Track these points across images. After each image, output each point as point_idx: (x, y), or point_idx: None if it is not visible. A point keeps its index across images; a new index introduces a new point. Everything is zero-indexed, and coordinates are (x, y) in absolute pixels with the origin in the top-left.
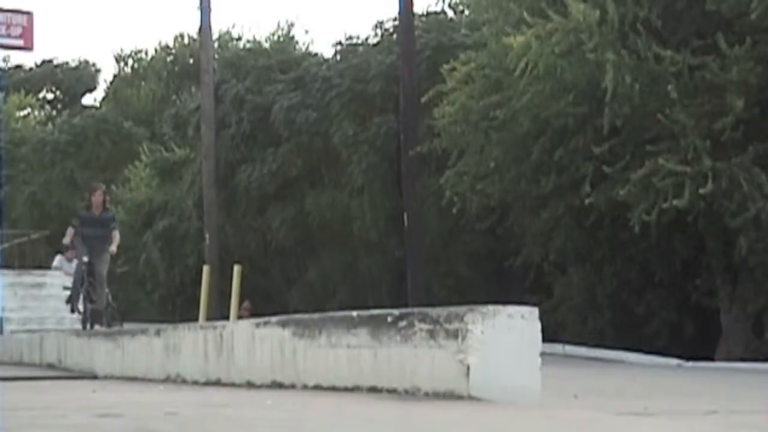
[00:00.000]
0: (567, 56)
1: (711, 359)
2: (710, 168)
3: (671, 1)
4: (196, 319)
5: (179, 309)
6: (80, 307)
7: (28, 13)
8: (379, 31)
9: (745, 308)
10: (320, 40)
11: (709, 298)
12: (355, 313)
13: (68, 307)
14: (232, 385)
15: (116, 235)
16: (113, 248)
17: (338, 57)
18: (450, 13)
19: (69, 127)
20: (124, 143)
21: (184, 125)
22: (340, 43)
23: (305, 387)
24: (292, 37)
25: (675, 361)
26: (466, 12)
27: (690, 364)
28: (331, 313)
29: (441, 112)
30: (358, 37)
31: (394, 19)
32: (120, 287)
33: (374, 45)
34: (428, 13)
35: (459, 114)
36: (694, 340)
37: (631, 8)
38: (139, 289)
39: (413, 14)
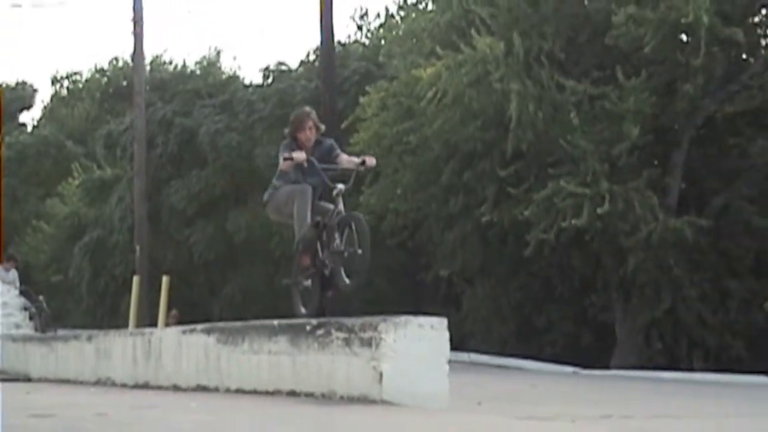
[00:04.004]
0: (475, 85)
1: (606, 367)
2: (607, 190)
3: (573, 35)
4: (122, 325)
5: (106, 316)
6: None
7: None
8: (305, 59)
9: (636, 321)
10: (247, 66)
11: (604, 312)
12: (275, 322)
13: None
14: (160, 388)
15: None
16: None
17: (266, 82)
18: (368, 44)
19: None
20: (64, 162)
21: (114, 145)
22: (267, 68)
23: (228, 390)
24: (219, 64)
25: (572, 369)
26: (383, 42)
27: (586, 371)
28: (253, 322)
29: (358, 137)
30: (284, 64)
31: (317, 48)
32: (51, 296)
33: (299, 72)
34: (354, 42)
35: (373, 140)
36: (590, 349)
37: (535, 41)
38: (69, 297)
39: (333, 44)
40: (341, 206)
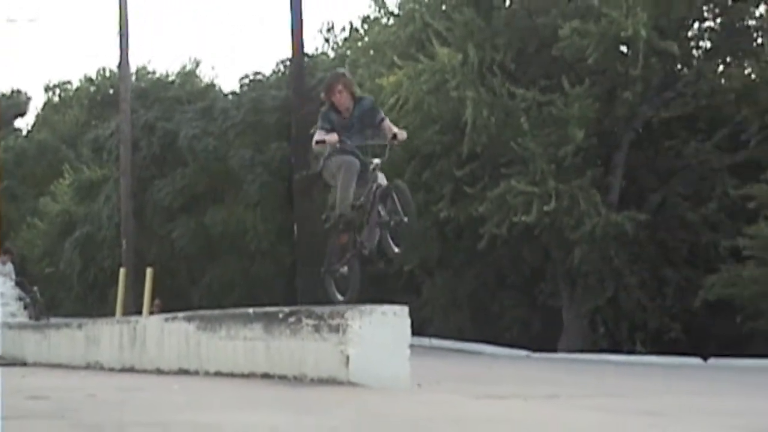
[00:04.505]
0: (434, 93)
1: (554, 351)
2: (554, 188)
3: (523, 47)
4: (110, 314)
5: (95, 305)
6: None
7: None
8: (276, 69)
9: (581, 307)
10: (225, 75)
11: (552, 299)
12: (251, 310)
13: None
14: (144, 371)
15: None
16: None
17: (241, 90)
18: (332, 54)
19: (8, 148)
20: (56, 164)
21: (101, 148)
22: (246, 77)
23: (207, 373)
24: (198, 73)
25: (524, 353)
26: (348, 53)
27: (537, 354)
28: (230, 310)
29: None
30: (258, 74)
31: (288, 59)
32: (45, 287)
33: (271, 81)
34: (322, 53)
35: None
36: (540, 334)
37: (489, 53)
38: (61, 288)
39: (303, 56)
40: (381, 179)
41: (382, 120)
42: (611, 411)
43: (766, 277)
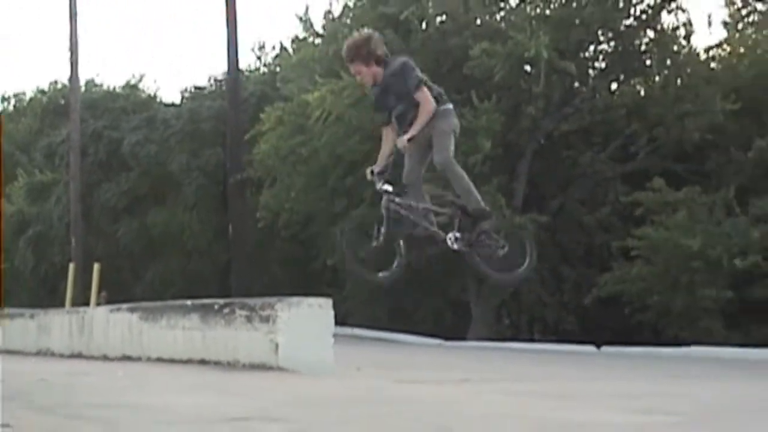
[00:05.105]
0: (355, 106)
1: (464, 340)
2: None
3: (437, 66)
4: (60, 305)
5: (46, 298)
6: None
7: None
8: (211, 82)
9: (488, 301)
10: (166, 88)
11: (463, 294)
12: (189, 302)
13: None
14: (92, 357)
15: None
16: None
17: (181, 101)
18: (264, 70)
19: None
20: (13, 168)
21: (53, 154)
22: (186, 90)
23: (149, 359)
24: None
25: (437, 341)
26: (278, 69)
27: (449, 343)
28: (170, 302)
29: (258, 148)
30: (199, 88)
31: (225, 72)
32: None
33: (208, 93)
34: (255, 69)
35: (271, 151)
36: (451, 325)
37: None
38: (15, 282)
39: (238, 69)
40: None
41: (417, 88)
42: (519, 394)
43: (652, 275)
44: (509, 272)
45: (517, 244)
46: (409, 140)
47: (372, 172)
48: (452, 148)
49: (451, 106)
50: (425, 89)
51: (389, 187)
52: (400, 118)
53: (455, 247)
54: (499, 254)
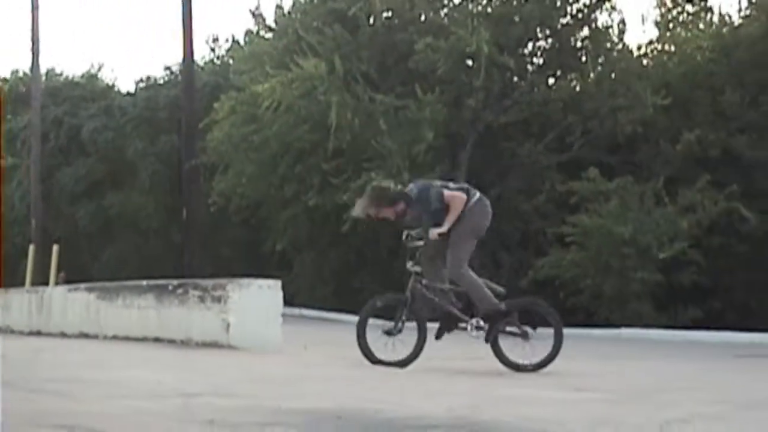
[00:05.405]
0: (304, 98)
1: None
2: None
3: (383, 59)
4: (20, 285)
5: (6, 277)
6: None
7: None
8: (167, 72)
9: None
10: (123, 77)
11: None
12: (144, 282)
13: None
14: (50, 334)
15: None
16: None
17: (137, 90)
18: (217, 62)
19: None
20: None
21: (15, 139)
22: (141, 80)
23: (106, 337)
24: (100, 75)
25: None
26: (231, 61)
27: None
28: (126, 282)
29: (212, 136)
30: (150, 78)
31: (180, 63)
32: None
33: (163, 82)
34: (210, 61)
35: (224, 138)
36: None
37: (354, 63)
38: None
39: (193, 60)
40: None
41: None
42: (465, 372)
43: (586, 260)
44: (532, 362)
45: (541, 320)
46: (439, 234)
47: (408, 236)
48: (470, 250)
49: (478, 195)
50: (447, 192)
51: (418, 269)
52: (435, 215)
53: (473, 335)
54: (528, 342)
